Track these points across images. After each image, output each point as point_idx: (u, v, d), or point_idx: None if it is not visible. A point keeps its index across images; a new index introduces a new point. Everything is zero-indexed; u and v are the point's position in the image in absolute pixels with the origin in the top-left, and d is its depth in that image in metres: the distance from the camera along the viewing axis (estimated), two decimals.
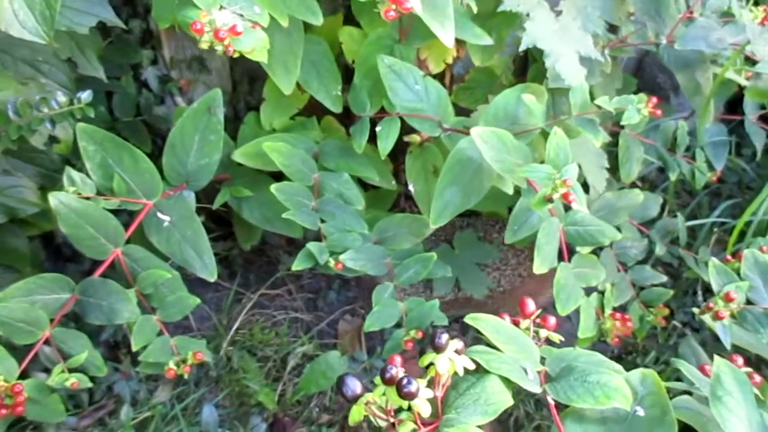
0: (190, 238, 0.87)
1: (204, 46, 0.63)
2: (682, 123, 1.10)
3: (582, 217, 0.83)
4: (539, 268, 0.77)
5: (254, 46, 0.65)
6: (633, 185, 1.27)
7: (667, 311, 0.97)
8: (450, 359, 0.47)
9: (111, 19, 0.90)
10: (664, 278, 1.02)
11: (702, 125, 1.01)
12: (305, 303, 1.25)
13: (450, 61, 1.08)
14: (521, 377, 0.49)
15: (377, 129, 0.96)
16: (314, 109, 1.08)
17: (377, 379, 0.46)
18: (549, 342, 0.54)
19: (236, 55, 0.67)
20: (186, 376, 0.83)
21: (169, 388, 1.09)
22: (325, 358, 1.02)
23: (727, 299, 0.71)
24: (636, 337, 1.02)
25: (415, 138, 1.06)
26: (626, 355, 1.18)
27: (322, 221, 0.92)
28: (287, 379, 1.13)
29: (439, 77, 1.18)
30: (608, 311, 0.83)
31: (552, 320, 0.53)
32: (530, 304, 0.52)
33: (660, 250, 1.06)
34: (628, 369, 1.17)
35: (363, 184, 1.09)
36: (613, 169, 1.12)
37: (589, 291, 0.90)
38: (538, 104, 0.85)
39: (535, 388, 0.50)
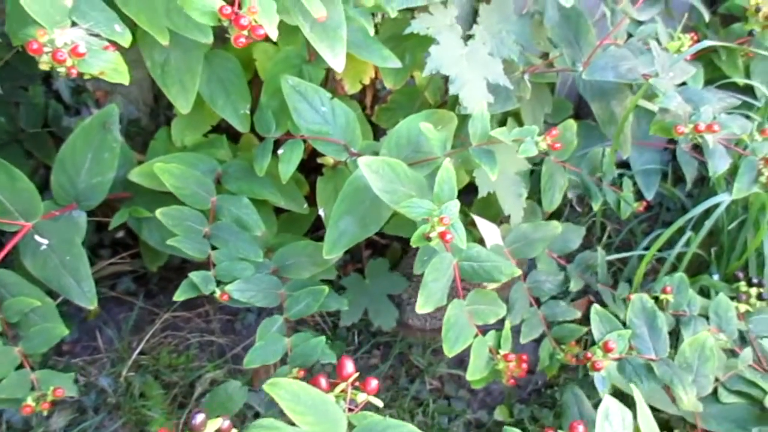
0: (68, 264, 0.83)
1: (44, 67, 0.59)
2: (609, 151, 1.07)
3: (478, 253, 0.80)
4: (422, 306, 0.74)
5: (103, 68, 0.61)
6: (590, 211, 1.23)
7: (577, 349, 0.93)
8: None
9: None
10: (578, 314, 0.99)
11: (613, 155, 0.98)
12: (222, 325, 1.21)
13: (367, 81, 1.05)
14: None
15: (279, 152, 0.92)
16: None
17: None
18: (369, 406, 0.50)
19: (87, 77, 0.63)
20: (45, 413, 0.79)
21: (65, 414, 1.04)
22: (225, 388, 0.98)
23: (606, 349, 0.68)
24: (546, 374, 0.98)
25: (328, 160, 1.02)
26: (547, 388, 1.15)
27: (215, 248, 0.88)
28: (193, 406, 1.09)
29: (360, 97, 1.14)
30: (504, 351, 0.79)
31: (373, 383, 0.49)
32: (348, 365, 0.48)
33: (575, 285, 1.02)
34: (546, 404, 1.14)
35: (278, 208, 1.05)
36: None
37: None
38: (436, 133, 0.81)
39: None
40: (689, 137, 0.79)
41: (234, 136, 1.08)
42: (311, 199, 1.06)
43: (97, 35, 0.64)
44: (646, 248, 1.20)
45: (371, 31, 0.81)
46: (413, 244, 0.70)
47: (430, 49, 0.86)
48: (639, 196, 1.20)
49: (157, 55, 0.88)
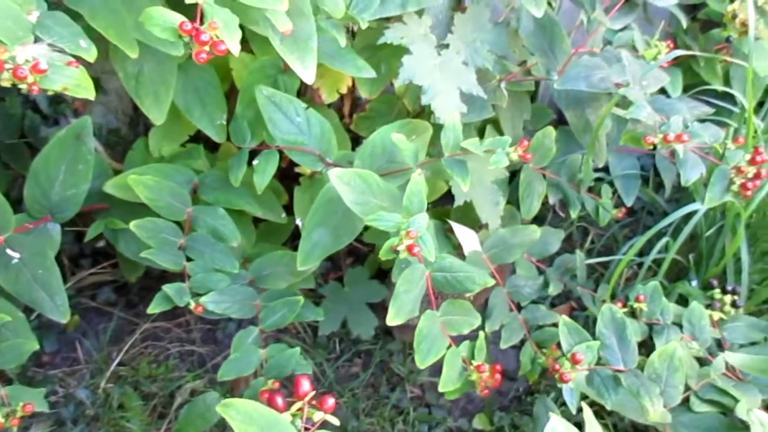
0: (41, 278, 0.83)
1: (5, 84, 0.59)
2: (587, 158, 1.07)
3: (451, 263, 0.79)
4: (393, 319, 0.73)
5: (66, 84, 0.61)
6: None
7: (558, 353, 0.93)
8: None
9: None
10: (558, 318, 0.99)
11: (589, 163, 0.98)
12: (203, 335, 1.20)
13: (344, 90, 1.05)
14: None
15: (254, 163, 0.92)
16: None
17: None
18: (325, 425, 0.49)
19: (51, 93, 0.62)
20: (15, 430, 0.78)
21: (43, 426, 1.04)
22: (204, 399, 0.97)
23: (574, 361, 0.68)
24: (529, 380, 0.98)
25: (305, 170, 1.02)
26: (528, 395, 1.15)
27: (190, 259, 0.88)
28: (173, 417, 1.09)
29: (339, 105, 1.14)
30: (477, 362, 0.79)
31: (330, 401, 0.49)
32: (305, 384, 0.48)
33: (554, 288, 1.02)
34: (526, 412, 1.14)
35: (257, 217, 1.05)
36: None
37: None
38: (408, 144, 0.81)
39: None
40: (660, 147, 0.79)
41: (213, 146, 1.08)
42: (291, 208, 1.06)
43: (61, 51, 0.64)
44: (627, 253, 1.20)
45: (342, 43, 0.81)
46: (382, 257, 0.70)
47: (403, 59, 0.86)
48: (621, 201, 1.21)
49: (130, 66, 0.88)
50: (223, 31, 0.58)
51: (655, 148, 0.79)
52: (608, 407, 0.65)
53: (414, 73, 0.86)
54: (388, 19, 0.92)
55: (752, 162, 0.81)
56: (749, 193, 0.82)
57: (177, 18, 0.57)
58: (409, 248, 0.68)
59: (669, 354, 0.71)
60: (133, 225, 0.84)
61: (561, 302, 1.31)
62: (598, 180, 1.28)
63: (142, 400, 1.08)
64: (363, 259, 1.26)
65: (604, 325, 0.71)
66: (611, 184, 1.17)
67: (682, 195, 1.33)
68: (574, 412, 0.69)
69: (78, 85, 0.62)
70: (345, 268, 1.20)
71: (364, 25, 0.80)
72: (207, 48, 0.57)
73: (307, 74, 0.76)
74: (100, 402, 1.06)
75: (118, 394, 1.07)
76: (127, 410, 1.06)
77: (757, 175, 0.82)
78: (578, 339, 0.70)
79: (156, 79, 0.90)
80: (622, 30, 1.04)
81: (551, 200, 1.12)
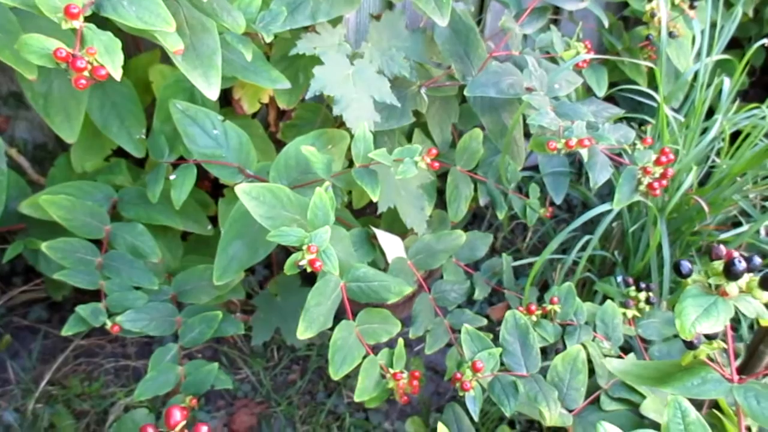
0: None
1: None
2: (502, 160, 1.08)
3: (365, 273, 0.80)
4: (303, 333, 0.74)
5: None
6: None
7: None
8: None
9: None
10: (484, 322, 1.00)
11: (506, 166, 0.99)
12: (139, 349, 1.19)
13: (266, 99, 1.04)
14: None
15: (171, 177, 0.91)
16: None
17: None
18: None
19: None
20: None
21: None
22: (132, 416, 0.96)
23: (475, 369, 0.69)
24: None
25: (230, 181, 1.01)
26: None
27: (107, 278, 0.87)
28: None
29: (264, 115, 1.14)
30: (395, 369, 0.80)
31: (204, 429, 0.49)
32: (176, 414, 0.48)
33: (480, 293, 1.03)
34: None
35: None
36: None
37: None
38: (319, 156, 0.81)
39: None
40: (563, 152, 0.81)
41: (140, 160, 1.07)
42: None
43: None
44: (564, 251, 1.22)
45: (249, 57, 0.80)
46: (287, 272, 0.70)
47: (314, 70, 0.86)
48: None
49: (37, 85, 0.87)
50: (104, 55, 0.58)
51: (560, 152, 0.80)
52: (507, 414, 0.66)
53: (325, 84, 0.86)
54: (306, 29, 0.92)
55: (657, 162, 0.83)
56: (657, 192, 0.84)
57: (53, 44, 0.56)
58: (311, 263, 0.68)
59: (572, 357, 0.72)
60: (44, 246, 0.83)
61: (500, 301, 1.33)
62: (529, 179, 1.30)
63: (74, 419, 1.07)
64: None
65: (507, 332, 0.72)
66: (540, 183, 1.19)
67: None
68: (476, 419, 0.70)
69: None
70: (277, 275, 1.20)
71: (269, 39, 0.80)
72: (86, 74, 0.57)
73: (211, 92, 0.75)
74: (28, 424, 1.05)
75: (48, 414, 1.05)
76: (57, 430, 1.05)
77: (663, 175, 0.84)
78: (481, 347, 0.71)
79: (66, 96, 0.88)
80: (543, 32, 1.06)
81: (481, 202, 1.13)
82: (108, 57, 0.58)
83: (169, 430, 0.47)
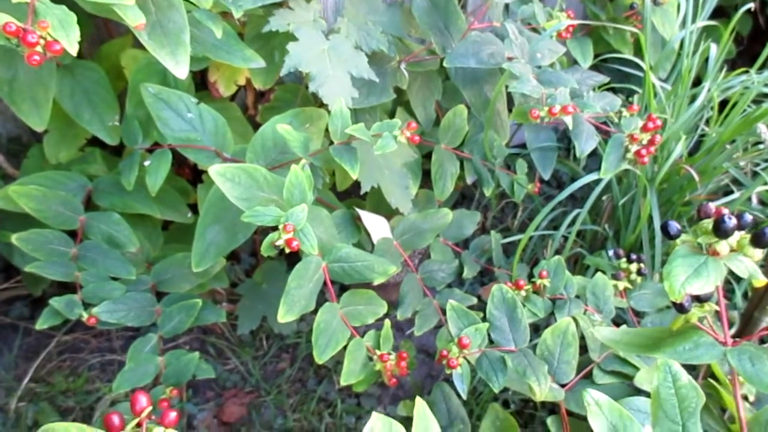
0: None
1: None
2: (486, 134, 1.06)
3: (347, 253, 0.77)
4: (284, 316, 0.71)
5: None
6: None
7: None
8: None
9: None
10: (474, 300, 0.98)
11: (488, 141, 0.97)
12: (125, 342, 1.17)
13: (242, 81, 1.01)
14: None
15: (146, 164, 0.88)
16: None
17: None
18: None
19: None
20: None
21: None
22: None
23: (461, 346, 0.66)
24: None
25: (207, 165, 0.98)
26: None
27: (83, 269, 0.85)
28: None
29: (242, 98, 1.11)
30: (382, 351, 0.78)
31: (171, 415, 0.47)
32: (142, 400, 0.46)
33: (469, 272, 1.01)
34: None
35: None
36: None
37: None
38: (296, 134, 0.79)
39: None
40: (546, 120, 0.78)
41: (117, 148, 1.04)
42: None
43: None
44: (555, 227, 1.20)
45: (219, 34, 0.77)
46: (264, 253, 0.68)
47: (288, 46, 0.83)
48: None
49: (2, 71, 0.83)
50: (58, 29, 0.55)
51: (543, 120, 0.78)
52: (496, 390, 0.64)
53: (301, 60, 0.83)
54: (279, 5, 0.89)
55: (644, 129, 0.81)
56: (645, 160, 0.82)
57: (1, 19, 0.53)
58: (288, 242, 0.65)
59: (562, 330, 0.70)
60: (15, 239, 0.81)
61: (492, 281, 1.31)
62: (515, 155, 1.27)
63: (59, 416, 1.05)
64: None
65: (494, 306, 0.69)
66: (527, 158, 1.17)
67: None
68: (464, 397, 0.68)
69: None
70: (262, 261, 1.17)
71: (238, 14, 0.77)
72: (39, 49, 0.54)
73: (180, 70, 0.72)
74: (12, 422, 1.02)
75: (32, 412, 1.03)
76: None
77: (651, 142, 0.81)
78: (467, 323, 0.69)
79: (34, 82, 0.85)
80: (525, 4, 1.03)
81: (468, 180, 1.11)
82: (63, 31, 0.55)
83: (135, 416, 0.45)
